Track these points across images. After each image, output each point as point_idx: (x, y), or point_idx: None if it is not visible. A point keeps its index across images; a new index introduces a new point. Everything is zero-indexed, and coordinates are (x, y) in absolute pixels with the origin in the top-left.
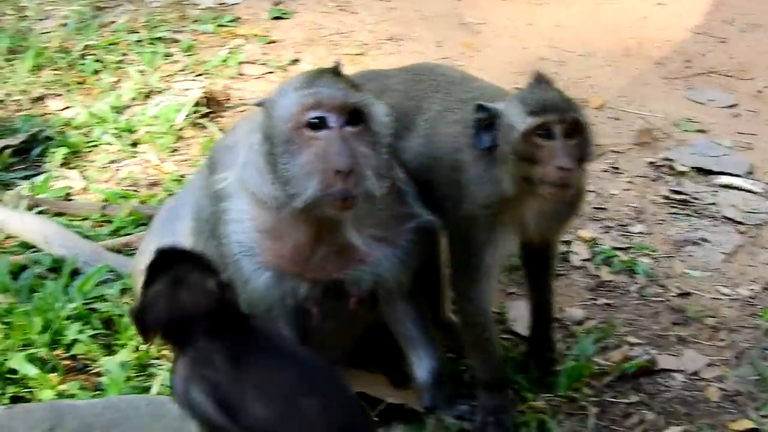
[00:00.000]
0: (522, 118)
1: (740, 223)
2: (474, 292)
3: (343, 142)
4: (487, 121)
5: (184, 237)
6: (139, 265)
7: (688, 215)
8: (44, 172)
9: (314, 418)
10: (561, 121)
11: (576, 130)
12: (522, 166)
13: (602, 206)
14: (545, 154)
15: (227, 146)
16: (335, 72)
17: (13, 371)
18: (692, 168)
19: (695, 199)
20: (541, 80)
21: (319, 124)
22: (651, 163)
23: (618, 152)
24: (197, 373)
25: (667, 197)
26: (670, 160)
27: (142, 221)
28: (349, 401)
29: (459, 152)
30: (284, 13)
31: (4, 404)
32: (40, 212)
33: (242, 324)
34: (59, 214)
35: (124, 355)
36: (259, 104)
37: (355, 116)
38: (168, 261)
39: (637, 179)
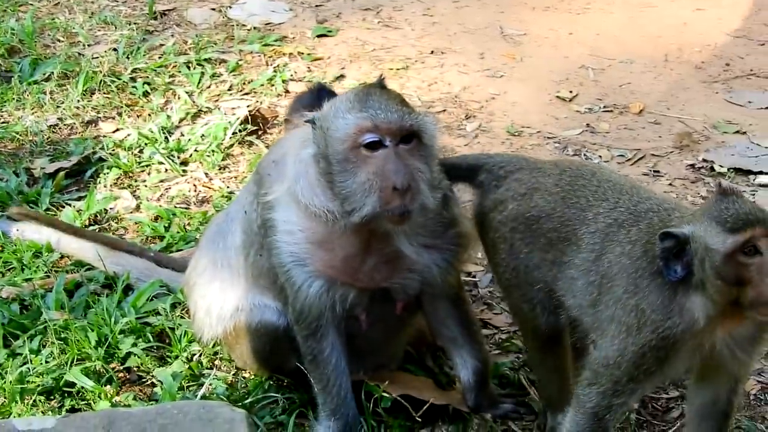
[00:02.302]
0: (721, 237)
1: None
2: (602, 411)
3: (399, 160)
4: (677, 248)
5: (234, 250)
6: (190, 279)
7: None
8: (97, 193)
9: None
10: (766, 233)
11: None
12: (728, 290)
13: None
14: (754, 272)
15: (274, 161)
16: (383, 87)
17: (71, 384)
18: (731, 169)
19: None
20: (727, 193)
21: (375, 145)
22: (691, 165)
23: (658, 156)
24: None
25: (706, 198)
26: (710, 161)
27: (192, 237)
28: None
29: (637, 276)
30: (328, 31)
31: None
32: (94, 231)
33: None
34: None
35: (176, 366)
36: (308, 121)
37: (408, 134)
38: None
39: (677, 181)
